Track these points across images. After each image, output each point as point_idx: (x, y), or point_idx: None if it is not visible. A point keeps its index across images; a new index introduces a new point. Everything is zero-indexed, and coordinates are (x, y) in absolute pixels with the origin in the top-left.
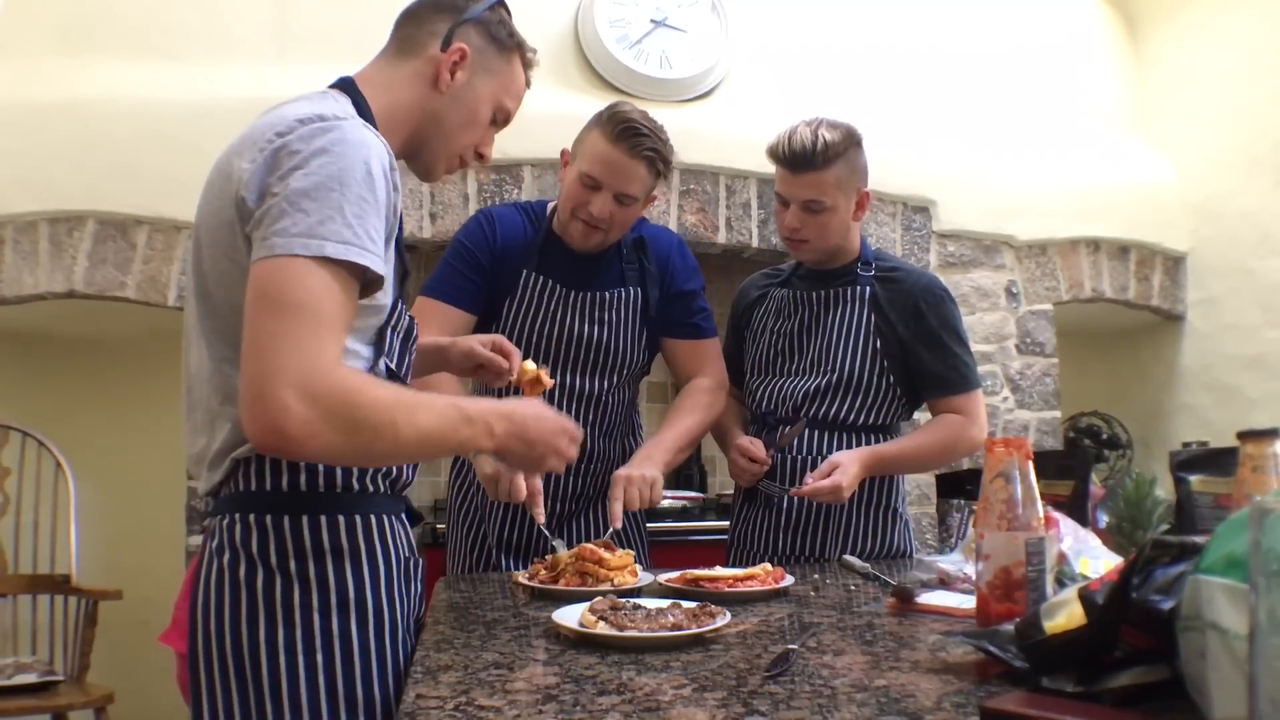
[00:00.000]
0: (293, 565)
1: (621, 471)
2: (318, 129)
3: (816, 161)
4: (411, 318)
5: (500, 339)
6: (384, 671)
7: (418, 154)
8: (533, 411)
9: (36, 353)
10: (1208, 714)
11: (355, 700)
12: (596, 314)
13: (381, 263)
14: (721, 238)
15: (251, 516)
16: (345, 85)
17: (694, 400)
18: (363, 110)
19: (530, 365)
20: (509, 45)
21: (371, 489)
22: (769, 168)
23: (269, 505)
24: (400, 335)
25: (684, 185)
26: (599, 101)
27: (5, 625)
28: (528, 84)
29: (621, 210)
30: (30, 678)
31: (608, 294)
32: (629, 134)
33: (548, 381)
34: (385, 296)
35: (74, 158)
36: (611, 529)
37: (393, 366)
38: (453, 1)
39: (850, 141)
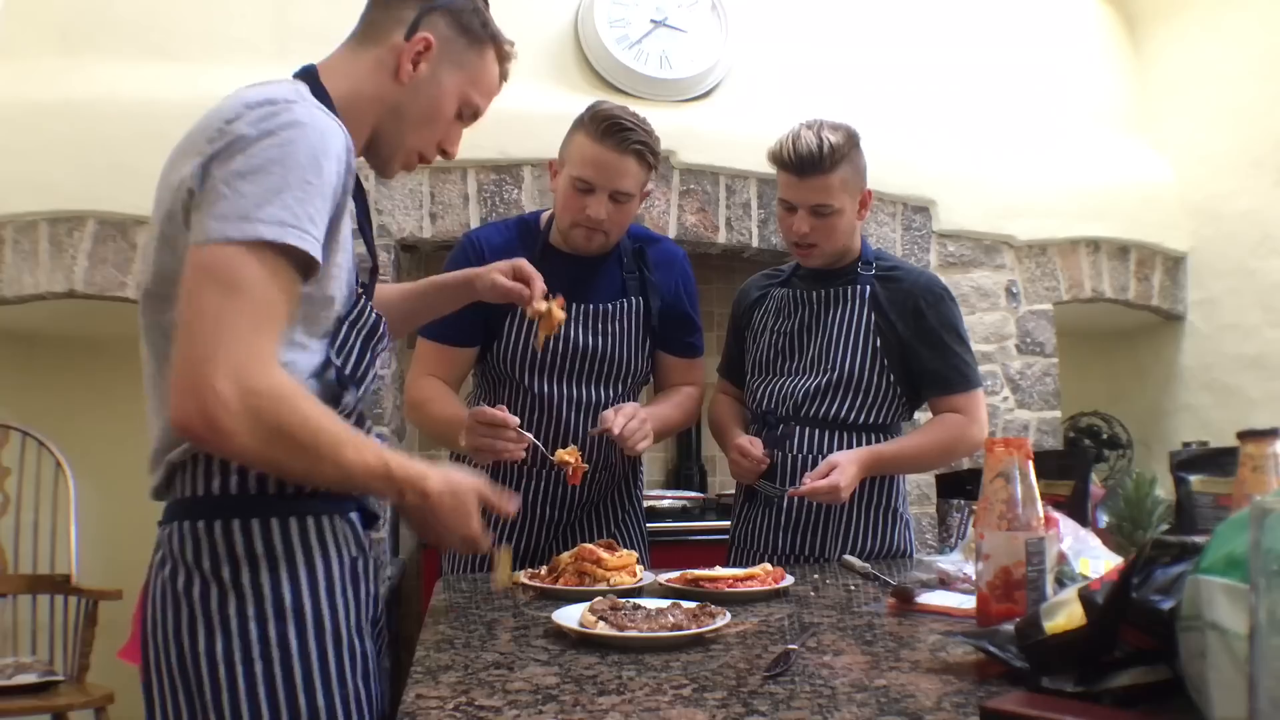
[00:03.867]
0: (226, 573)
1: (614, 409)
2: (267, 112)
3: (824, 165)
4: (379, 316)
5: (521, 264)
6: (327, 679)
7: (375, 148)
8: (451, 503)
9: (36, 353)
10: (1208, 714)
11: (298, 710)
12: (598, 325)
13: (319, 247)
14: (721, 238)
15: (186, 524)
16: (307, 74)
17: (681, 400)
18: (322, 99)
19: (541, 305)
20: (481, 37)
21: (307, 490)
22: (769, 167)
23: (202, 512)
24: (362, 333)
25: (684, 185)
26: None
27: (5, 625)
28: (505, 78)
29: (618, 209)
30: (30, 678)
31: (609, 305)
32: (614, 130)
33: (560, 315)
34: (336, 288)
35: (74, 158)
36: (602, 426)
37: (344, 368)
38: None
39: (852, 143)
